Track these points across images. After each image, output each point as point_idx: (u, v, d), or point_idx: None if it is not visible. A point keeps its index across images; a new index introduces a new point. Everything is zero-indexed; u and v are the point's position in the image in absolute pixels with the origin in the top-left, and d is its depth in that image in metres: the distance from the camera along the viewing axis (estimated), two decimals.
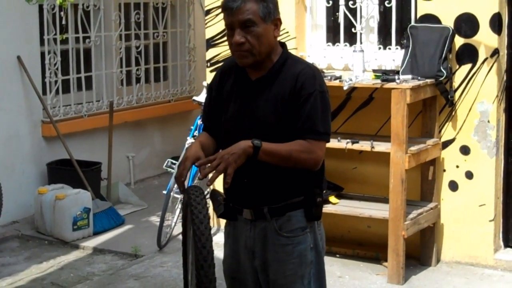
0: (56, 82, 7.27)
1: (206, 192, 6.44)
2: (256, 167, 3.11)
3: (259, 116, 3.14)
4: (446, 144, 5.73)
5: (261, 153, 3.02)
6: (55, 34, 7.15)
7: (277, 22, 3.17)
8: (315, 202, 3.21)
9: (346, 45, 6.05)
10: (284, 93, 3.11)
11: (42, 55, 7.19)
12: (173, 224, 6.37)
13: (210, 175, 3.03)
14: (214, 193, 3.36)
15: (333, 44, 6.15)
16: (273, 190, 3.19)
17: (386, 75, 5.48)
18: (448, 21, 5.57)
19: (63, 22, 7.01)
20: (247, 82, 3.20)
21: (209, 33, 6.54)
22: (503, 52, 5.60)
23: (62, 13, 6.98)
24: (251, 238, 3.25)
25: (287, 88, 3.11)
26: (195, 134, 6.47)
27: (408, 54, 5.60)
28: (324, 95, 3.15)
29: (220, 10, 6.40)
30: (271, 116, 3.12)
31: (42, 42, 7.17)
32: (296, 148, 3.07)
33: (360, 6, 5.96)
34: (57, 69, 7.27)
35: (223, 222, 6.44)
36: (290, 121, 3.11)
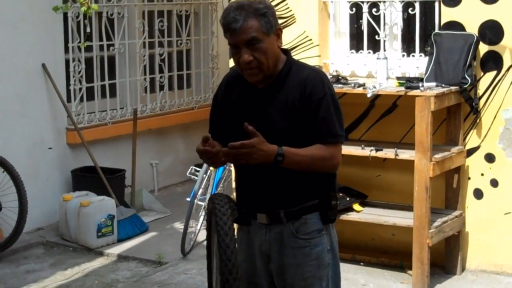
0: (80, 89, 7.32)
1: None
2: (271, 172, 3.15)
3: (270, 124, 3.15)
4: (470, 151, 5.70)
5: (284, 164, 3.05)
6: (80, 41, 7.20)
7: (278, 32, 3.19)
8: (331, 205, 3.24)
9: (369, 52, 6.04)
10: (294, 100, 3.13)
11: (67, 62, 7.24)
12: (196, 231, 6.38)
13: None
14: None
15: (357, 51, 6.14)
16: (289, 194, 3.21)
17: (410, 82, 5.46)
18: (472, 28, 5.55)
19: (88, 30, 7.05)
20: (254, 91, 3.22)
21: None
22: None
23: (86, 21, 7.03)
24: (266, 242, 3.27)
25: (297, 94, 3.13)
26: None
27: (432, 61, 5.58)
28: (334, 97, 3.18)
29: None
30: (282, 122, 3.14)
31: (66, 50, 7.22)
32: (318, 154, 3.11)
33: (384, 13, 5.94)
34: (81, 76, 7.32)
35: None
36: (302, 127, 3.13)
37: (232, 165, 6.63)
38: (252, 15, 3.09)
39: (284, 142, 3.10)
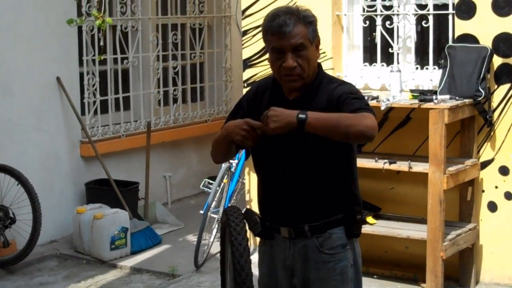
0: (94, 102, 7.35)
1: (243, 212, 6.46)
2: (295, 186, 3.15)
3: (299, 136, 3.08)
4: (484, 164, 5.68)
5: (307, 126, 2.93)
6: (94, 55, 7.24)
7: (318, 44, 3.20)
8: (355, 219, 3.22)
9: (383, 65, 6.04)
10: (321, 110, 3.07)
11: (81, 76, 7.28)
12: (210, 243, 6.38)
13: None
14: (249, 212, 3.35)
15: (370, 64, 6.15)
16: (313, 207, 3.18)
17: (423, 95, 5.46)
18: (486, 41, 5.54)
19: (102, 43, 7.09)
20: (284, 102, 3.17)
21: (246, 53, 6.57)
22: None
23: (100, 34, 7.06)
24: (290, 257, 3.24)
25: (324, 105, 3.10)
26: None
27: (446, 74, 5.58)
28: (363, 97, 3.13)
29: (257, 30, 6.45)
30: (310, 135, 3.06)
31: (81, 63, 7.26)
32: (346, 115, 2.96)
33: (397, 26, 5.95)
34: (95, 89, 7.35)
35: (256, 240, 6.45)
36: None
37: (245, 178, 6.64)
38: (301, 21, 3.10)
39: (314, 155, 3.11)
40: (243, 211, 3.33)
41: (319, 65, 3.26)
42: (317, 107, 3.10)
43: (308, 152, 3.12)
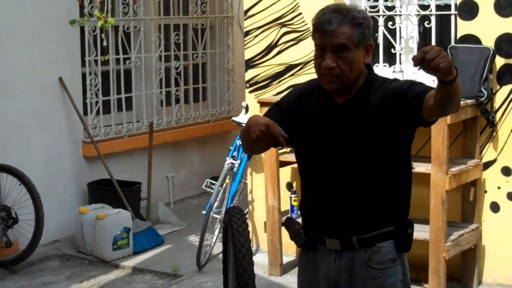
0: (97, 102, 7.35)
1: (246, 212, 6.47)
2: (346, 194, 3.00)
3: (351, 139, 2.97)
4: (487, 165, 5.68)
5: (455, 82, 2.70)
6: (96, 55, 7.24)
7: (368, 48, 3.02)
8: (407, 233, 3.05)
9: (385, 65, 6.04)
10: (376, 109, 2.95)
11: (83, 76, 7.28)
12: (212, 244, 6.39)
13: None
14: (290, 221, 3.22)
15: (372, 64, 6.12)
16: (363, 219, 3.01)
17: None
18: (488, 42, 5.54)
19: (105, 43, 7.10)
20: (333, 106, 3.04)
21: (248, 54, 6.57)
22: None
23: (103, 34, 7.07)
24: (335, 270, 3.06)
25: (379, 103, 2.96)
26: (234, 154, 6.49)
27: None
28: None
29: (259, 31, 6.45)
30: (364, 137, 2.96)
31: (83, 64, 7.26)
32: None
33: (400, 27, 5.95)
34: (98, 90, 7.35)
35: (262, 242, 6.45)
36: (387, 136, 2.94)
37: (248, 178, 6.65)
38: (348, 22, 2.94)
39: (367, 158, 2.95)
40: (283, 220, 3.23)
41: (370, 66, 3.09)
42: (371, 108, 2.97)
43: (363, 155, 2.97)
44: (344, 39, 2.92)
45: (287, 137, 2.95)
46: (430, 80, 5.82)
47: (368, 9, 6.06)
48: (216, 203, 6.32)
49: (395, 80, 3.08)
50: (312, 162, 3.08)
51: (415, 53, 5.90)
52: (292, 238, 3.16)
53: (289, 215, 5.89)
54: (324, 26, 2.94)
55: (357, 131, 2.97)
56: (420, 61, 2.63)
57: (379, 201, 3.00)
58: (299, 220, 3.25)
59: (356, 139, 2.97)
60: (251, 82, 6.58)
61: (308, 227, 3.12)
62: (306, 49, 6.19)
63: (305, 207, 3.17)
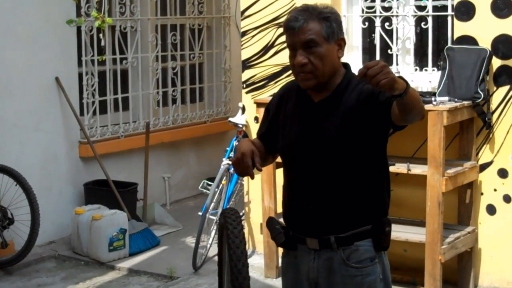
0: (93, 103, 7.34)
1: (242, 213, 6.46)
2: (323, 193, 3.03)
3: (327, 138, 3.01)
4: (483, 167, 5.67)
5: (408, 93, 2.72)
6: (93, 55, 7.23)
7: (340, 42, 3.05)
8: (384, 231, 3.06)
9: None
10: (351, 109, 2.98)
11: (80, 76, 7.27)
12: (208, 245, 6.37)
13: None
14: (271, 220, 3.24)
15: None
16: (340, 218, 3.03)
17: (422, 96, 5.41)
18: (485, 43, 5.53)
19: (102, 43, 7.08)
20: (310, 105, 3.09)
21: (245, 54, 6.56)
22: None
23: (100, 34, 7.06)
24: (314, 269, 3.10)
25: (354, 102, 2.98)
26: (230, 155, 6.47)
27: (445, 75, 5.56)
28: None
29: (256, 31, 6.44)
30: (339, 136, 2.99)
31: (80, 63, 7.25)
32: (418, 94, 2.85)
33: (396, 28, 5.94)
34: (94, 90, 7.34)
35: (258, 244, 6.44)
36: (362, 135, 2.98)
37: (244, 179, 6.63)
38: (314, 18, 2.99)
39: (340, 157, 2.98)
40: (266, 220, 3.22)
41: (347, 65, 3.13)
42: (346, 107, 3.00)
43: (339, 154, 3.00)
44: (312, 34, 2.97)
45: (260, 169, 3.05)
46: (427, 81, 5.83)
47: (365, 9, 6.06)
48: (213, 204, 6.31)
49: None
50: (290, 161, 3.15)
51: (412, 54, 5.94)
52: (272, 237, 3.20)
53: (271, 215, 5.89)
54: (290, 24, 2.99)
55: (331, 130, 3.01)
56: (362, 76, 2.68)
57: (355, 200, 3.03)
58: (282, 220, 3.28)
59: (330, 138, 3.00)
60: (247, 82, 6.57)
61: (288, 226, 3.16)
62: None
63: (285, 207, 3.21)
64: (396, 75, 2.72)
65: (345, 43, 3.08)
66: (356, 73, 2.82)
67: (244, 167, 3.04)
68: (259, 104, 5.98)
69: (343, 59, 3.11)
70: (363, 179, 3.04)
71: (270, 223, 3.22)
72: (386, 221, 3.09)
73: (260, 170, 3.10)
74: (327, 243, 3.04)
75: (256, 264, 6.13)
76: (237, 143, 6.46)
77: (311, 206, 3.05)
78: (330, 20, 3.01)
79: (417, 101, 2.82)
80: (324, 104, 3.05)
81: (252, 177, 3.12)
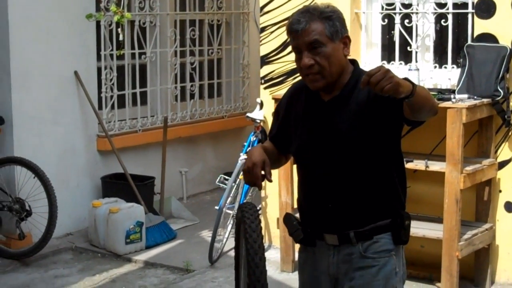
0: (111, 97, 7.36)
1: (259, 208, 6.46)
2: (340, 190, 3.02)
3: (339, 136, 3.00)
4: (502, 164, 5.65)
5: (416, 93, 2.74)
6: (112, 50, 7.26)
7: (346, 40, 3.03)
8: (404, 225, 3.06)
9: (401, 63, 6.01)
10: (362, 105, 2.96)
11: (99, 70, 7.29)
12: (224, 239, 6.39)
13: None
14: (288, 217, 3.23)
15: (388, 62, 6.12)
16: (359, 213, 3.03)
17: (441, 94, 5.43)
18: (505, 40, 5.50)
19: (120, 38, 7.10)
20: (320, 104, 3.07)
21: (264, 50, 6.56)
22: None
23: (119, 29, 7.08)
24: (334, 264, 3.10)
25: (364, 99, 2.96)
26: (248, 150, 6.47)
27: (465, 73, 5.55)
28: None
29: (275, 27, 6.44)
30: (352, 133, 2.98)
31: (99, 58, 7.27)
32: (421, 87, 2.85)
33: (416, 25, 5.93)
34: (113, 84, 7.36)
35: (274, 238, 6.45)
36: (374, 131, 2.96)
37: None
38: (316, 18, 2.96)
39: (356, 153, 2.97)
40: (283, 216, 3.24)
41: (355, 62, 3.11)
42: (357, 104, 2.98)
43: (351, 151, 2.98)
44: (316, 35, 2.94)
45: (271, 180, 3.09)
46: (446, 78, 5.81)
47: (385, 6, 6.05)
48: (229, 198, 6.32)
49: None
50: (304, 161, 3.13)
51: (432, 51, 5.92)
52: (290, 234, 3.20)
53: (288, 211, 5.90)
54: (293, 27, 2.98)
55: (343, 128, 3.00)
56: (366, 84, 2.70)
57: (373, 195, 3.02)
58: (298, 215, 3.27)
59: (343, 136, 2.99)
60: (266, 78, 6.57)
61: (305, 223, 3.15)
62: None
63: (302, 205, 3.20)
64: (402, 77, 2.74)
65: (350, 41, 3.05)
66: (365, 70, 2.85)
67: (254, 177, 3.06)
68: (277, 100, 5.97)
69: (358, 56, 3.11)
70: (377, 174, 3.03)
71: (288, 219, 3.22)
72: (405, 215, 3.08)
73: (270, 181, 3.12)
74: (347, 238, 3.05)
75: (273, 258, 6.14)
76: (254, 138, 6.48)
77: (330, 204, 3.04)
78: (333, 19, 2.99)
79: (426, 99, 2.83)
80: (334, 103, 3.03)
81: (260, 188, 3.12)
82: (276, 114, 3.31)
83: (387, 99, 2.85)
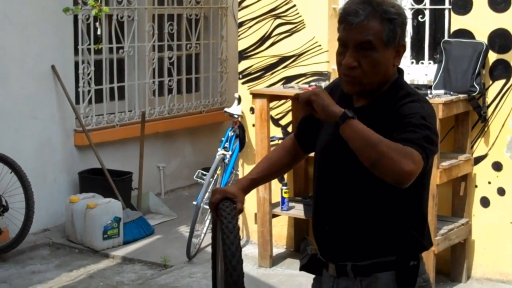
0: (89, 91, 7.33)
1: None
2: (341, 212, 2.67)
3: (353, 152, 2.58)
4: (478, 159, 5.69)
5: (346, 124, 2.47)
6: (89, 44, 7.22)
7: (400, 49, 2.62)
8: (408, 265, 2.64)
9: None
10: (383, 128, 2.53)
11: (76, 64, 7.26)
12: (202, 235, 6.39)
13: None
14: (305, 242, 2.93)
15: None
16: (358, 243, 2.65)
17: (418, 89, 5.44)
18: (482, 36, 5.54)
19: (99, 32, 7.07)
20: (349, 108, 2.63)
21: (242, 45, 6.56)
22: None
23: (96, 23, 7.05)
24: None
25: (388, 122, 2.57)
26: (226, 145, 6.48)
27: (441, 69, 5.58)
28: (429, 127, 2.53)
29: (253, 22, 6.44)
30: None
31: (76, 52, 7.24)
32: (389, 143, 2.42)
33: None
34: (90, 78, 7.34)
35: (252, 234, 6.46)
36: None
37: (239, 169, 6.65)
38: (377, 15, 2.55)
39: (365, 177, 2.55)
40: (302, 239, 2.98)
41: (401, 72, 2.70)
42: (381, 124, 2.56)
43: (363, 171, 2.51)
44: (370, 35, 2.54)
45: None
46: (423, 74, 5.83)
47: None
48: (207, 194, 6.31)
49: (417, 101, 2.62)
50: (318, 169, 2.81)
51: (409, 47, 5.95)
52: (300, 259, 2.92)
53: (266, 207, 5.91)
54: (349, 18, 2.56)
55: None
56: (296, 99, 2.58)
57: (377, 226, 2.64)
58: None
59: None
60: (244, 73, 6.57)
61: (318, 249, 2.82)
62: (300, 41, 6.18)
63: (313, 228, 2.86)
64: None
65: (404, 50, 2.66)
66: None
67: (211, 202, 2.83)
68: (255, 95, 5.99)
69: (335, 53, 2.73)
70: (386, 202, 2.62)
71: (303, 244, 2.94)
72: (413, 254, 2.67)
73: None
74: (344, 271, 2.71)
75: (250, 253, 6.15)
76: (232, 134, 6.47)
77: (327, 226, 2.72)
78: (395, 23, 2.57)
79: (362, 144, 2.46)
80: (362, 112, 2.61)
81: (214, 214, 2.86)
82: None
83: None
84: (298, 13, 6.23)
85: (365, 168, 2.50)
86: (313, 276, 2.90)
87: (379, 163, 2.41)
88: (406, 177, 2.40)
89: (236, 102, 6.59)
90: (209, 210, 6.30)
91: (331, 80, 5.01)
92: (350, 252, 2.68)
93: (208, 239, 6.12)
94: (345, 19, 2.58)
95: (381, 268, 2.65)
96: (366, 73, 2.57)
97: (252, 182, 2.93)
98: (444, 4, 5.79)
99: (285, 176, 6.19)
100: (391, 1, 2.62)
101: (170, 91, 8.28)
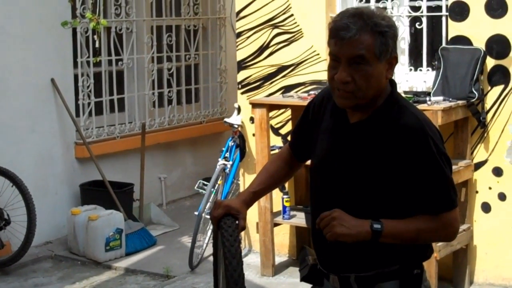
0: (89, 104, 7.35)
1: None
2: None
3: (351, 167, 2.64)
4: (478, 165, 5.70)
5: (382, 238, 2.54)
6: (88, 56, 7.24)
7: (392, 61, 2.62)
8: (412, 274, 2.66)
9: None
10: (388, 149, 2.57)
11: (76, 77, 7.28)
12: (204, 245, 6.40)
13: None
14: (304, 251, 2.92)
15: None
16: (362, 254, 2.64)
17: (417, 96, 5.47)
18: (479, 43, 5.56)
19: (97, 45, 7.09)
20: (344, 124, 2.69)
21: (240, 55, 6.58)
22: None
23: (95, 36, 7.07)
24: None
25: (392, 144, 2.57)
26: (226, 155, 6.49)
27: (440, 75, 5.60)
28: (444, 157, 2.62)
29: (251, 32, 6.46)
30: (366, 168, 2.61)
31: (75, 65, 7.26)
32: (427, 226, 2.56)
33: None
34: (90, 91, 7.35)
35: (254, 243, 6.47)
36: (393, 187, 2.59)
37: (240, 179, 6.66)
38: (369, 29, 2.53)
39: (364, 191, 2.60)
40: (300, 248, 3.04)
41: (393, 84, 2.70)
42: (383, 144, 2.59)
43: (362, 184, 2.60)
44: (363, 49, 2.53)
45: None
46: (422, 81, 5.85)
47: None
48: (209, 204, 6.32)
49: (416, 118, 2.64)
50: (314, 180, 2.82)
51: (407, 54, 5.96)
52: (299, 270, 2.93)
53: (267, 216, 5.92)
54: (340, 33, 2.55)
55: (361, 158, 2.63)
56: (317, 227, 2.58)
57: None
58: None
59: (358, 166, 2.63)
60: (243, 83, 6.59)
61: (318, 259, 2.82)
62: (298, 50, 6.21)
63: (311, 235, 2.87)
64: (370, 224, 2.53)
65: (396, 62, 2.66)
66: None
67: (212, 215, 2.86)
68: (254, 105, 6.00)
69: None
70: (390, 213, 2.61)
71: (302, 254, 2.93)
72: (416, 262, 2.69)
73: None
74: (347, 282, 2.70)
75: (253, 262, 6.16)
76: (232, 144, 6.49)
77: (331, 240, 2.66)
78: (387, 36, 2.56)
79: (405, 241, 2.60)
80: (359, 127, 2.64)
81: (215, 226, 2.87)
82: (305, 111, 2.91)
83: (410, 181, 2.58)
84: (296, 23, 6.25)
85: (365, 178, 2.57)
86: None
87: (429, 242, 2.71)
88: (455, 236, 2.67)
89: (235, 112, 6.60)
90: (210, 221, 6.31)
91: None
92: (353, 264, 2.68)
93: (210, 249, 6.12)
94: (336, 34, 2.57)
95: (385, 278, 2.65)
96: (360, 87, 2.56)
97: (254, 196, 2.97)
98: (441, 11, 5.81)
99: (286, 184, 6.20)
100: (381, 13, 2.61)
101: (170, 102, 8.30)
